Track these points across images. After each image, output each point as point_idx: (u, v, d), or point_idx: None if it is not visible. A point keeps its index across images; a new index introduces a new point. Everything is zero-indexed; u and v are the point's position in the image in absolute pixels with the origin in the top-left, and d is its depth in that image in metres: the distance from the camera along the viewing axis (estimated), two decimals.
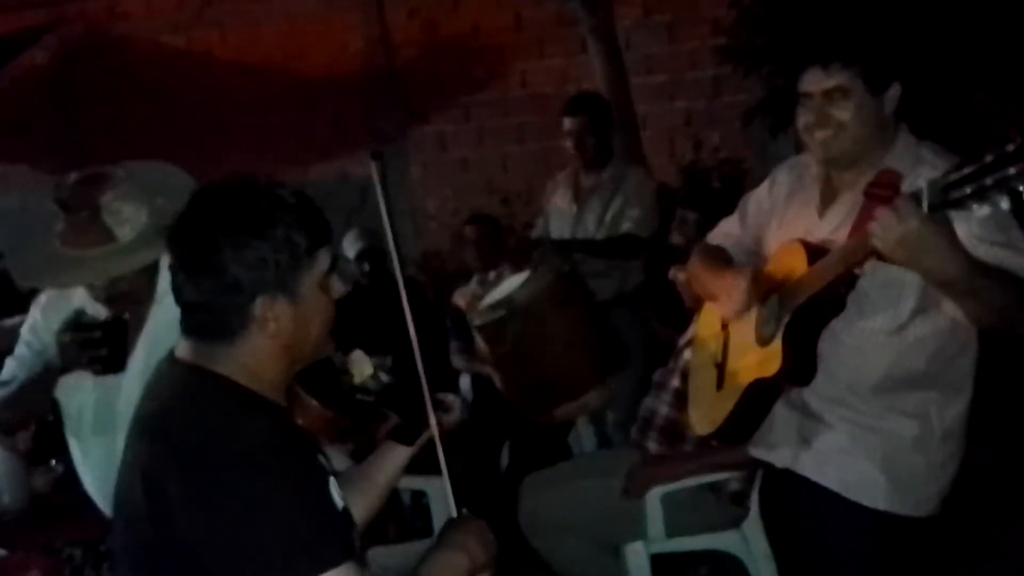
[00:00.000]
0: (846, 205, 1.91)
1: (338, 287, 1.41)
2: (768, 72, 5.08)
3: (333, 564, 1.24)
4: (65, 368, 1.96)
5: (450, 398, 1.84)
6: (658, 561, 2.71)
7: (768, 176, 2.17)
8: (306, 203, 1.38)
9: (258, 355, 1.34)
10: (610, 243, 3.62)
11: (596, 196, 3.75)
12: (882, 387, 1.87)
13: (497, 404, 3.64)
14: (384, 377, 1.71)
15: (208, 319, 1.34)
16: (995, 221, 1.67)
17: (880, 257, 1.62)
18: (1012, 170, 1.37)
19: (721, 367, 2.12)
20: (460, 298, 4.18)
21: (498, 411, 3.65)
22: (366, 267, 4.16)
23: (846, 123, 1.83)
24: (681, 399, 2.70)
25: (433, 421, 1.68)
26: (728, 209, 4.52)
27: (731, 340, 2.10)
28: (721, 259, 2.16)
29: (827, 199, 1.96)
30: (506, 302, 2.92)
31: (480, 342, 3.21)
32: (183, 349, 1.38)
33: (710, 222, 2.99)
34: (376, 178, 1.76)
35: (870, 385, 1.87)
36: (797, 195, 2.05)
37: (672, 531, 2.63)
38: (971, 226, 1.64)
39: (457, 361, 4.03)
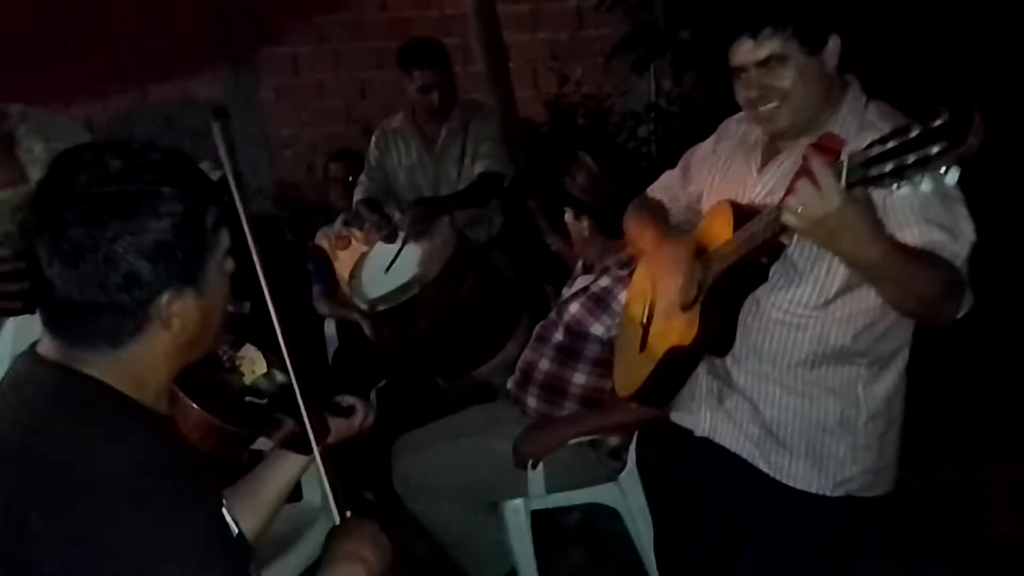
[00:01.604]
0: (784, 166, 1.80)
1: (229, 265, 1.22)
2: (633, 6, 5.04)
3: None
4: None
5: (351, 400, 1.68)
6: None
7: (717, 129, 2.05)
8: (194, 170, 1.17)
9: (149, 359, 1.15)
10: (473, 189, 3.51)
11: (452, 144, 3.62)
12: (807, 362, 1.80)
13: (364, 351, 3.55)
14: (279, 376, 1.52)
15: (90, 321, 1.10)
16: (940, 198, 1.58)
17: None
18: (935, 148, 1.25)
19: (645, 328, 2.07)
20: (323, 239, 4.00)
21: (365, 358, 3.55)
22: (225, 198, 3.89)
23: (788, 91, 1.72)
24: (563, 353, 2.70)
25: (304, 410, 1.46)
26: (590, 147, 4.49)
27: (657, 301, 2.05)
28: (658, 217, 2.08)
29: (767, 158, 1.86)
30: (417, 280, 2.87)
31: (379, 327, 3.11)
32: (48, 346, 1.15)
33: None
34: (219, 140, 1.50)
35: (795, 360, 1.81)
36: (739, 151, 1.94)
37: (552, 488, 2.65)
38: (913, 200, 1.54)
39: (321, 307, 3.87)
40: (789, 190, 1.54)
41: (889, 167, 1.30)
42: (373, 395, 3.59)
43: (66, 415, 1.11)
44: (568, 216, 2.75)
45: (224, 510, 1.20)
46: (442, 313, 2.88)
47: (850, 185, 1.38)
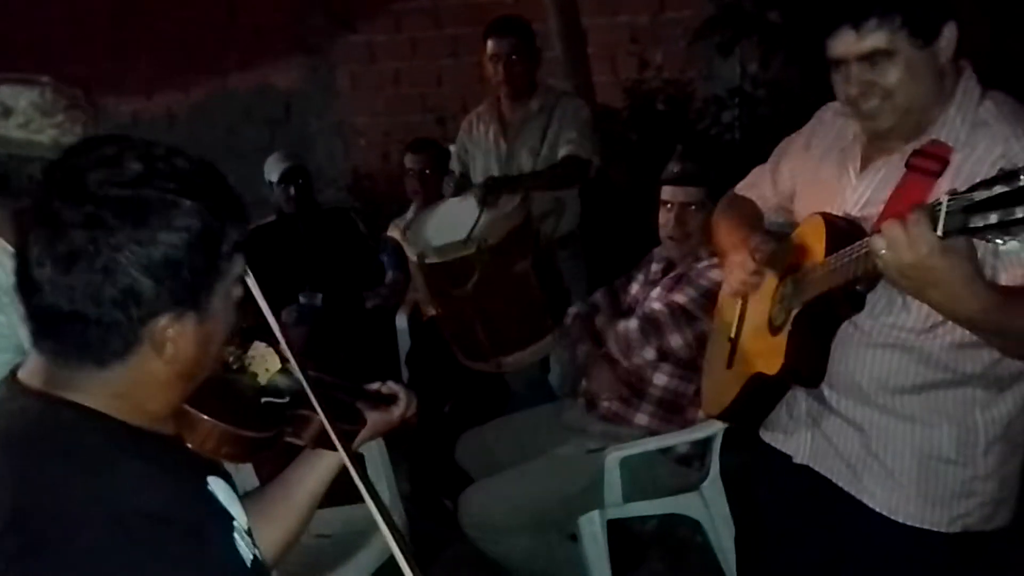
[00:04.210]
0: (882, 175, 1.61)
1: (237, 292, 1.12)
2: None
3: None
4: None
5: (391, 387, 1.52)
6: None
7: (811, 120, 1.85)
8: (220, 185, 1.03)
9: (141, 384, 1.02)
10: (553, 170, 3.41)
11: (527, 129, 3.52)
12: (914, 386, 1.61)
13: (437, 354, 3.46)
14: (298, 370, 1.36)
15: (76, 335, 0.98)
16: None
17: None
18: None
19: (733, 343, 1.91)
20: (395, 229, 3.94)
21: (438, 363, 3.45)
22: (292, 191, 3.83)
23: (893, 89, 1.50)
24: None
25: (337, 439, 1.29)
26: (671, 134, 4.28)
27: (747, 314, 1.89)
28: (747, 219, 1.90)
29: (866, 160, 1.65)
30: (477, 239, 2.71)
31: (428, 282, 2.98)
32: (29, 370, 1.04)
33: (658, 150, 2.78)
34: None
35: (899, 385, 1.62)
36: (834, 149, 1.73)
37: (629, 496, 2.53)
38: None
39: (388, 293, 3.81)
40: (896, 200, 1.37)
41: (993, 218, 1.12)
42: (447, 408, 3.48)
43: (44, 454, 0.98)
44: (682, 211, 2.57)
45: (236, 535, 1.07)
46: (490, 282, 2.73)
47: (947, 234, 1.20)
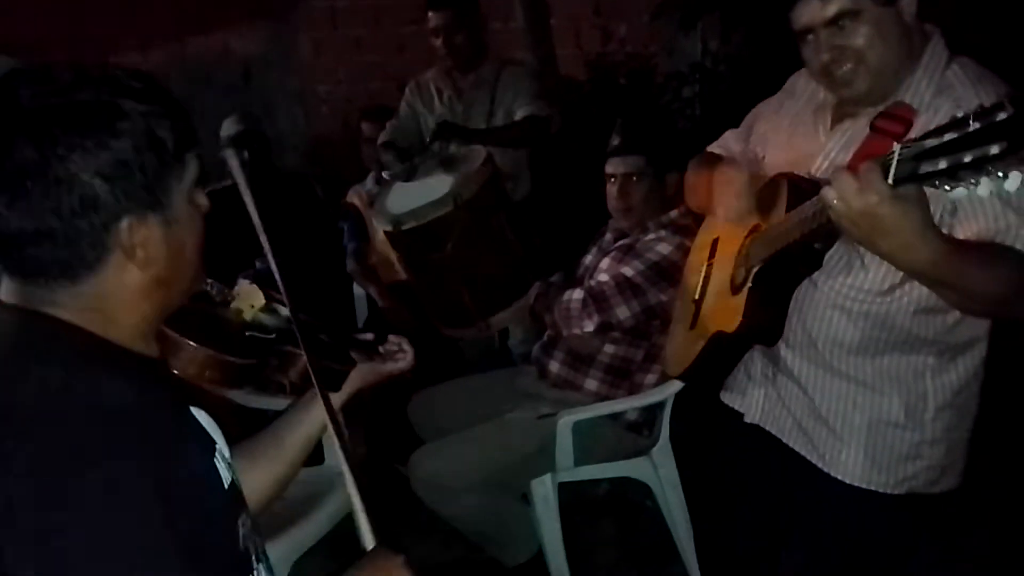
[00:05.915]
0: (848, 135, 1.62)
1: (203, 201, 1.10)
2: None
3: None
4: None
5: (395, 340, 1.55)
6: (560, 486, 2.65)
7: (785, 84, 1.86)
8: (157, 88, 1.02)
9: (118, 294, 1.02)
10: (513, 127, 3.45)
11: (480, 91, 3.56)
12: (868, 349, 1.63)
13: (399, 311, 3.47)
14: (284, 310, 1.39)
15: (44, 253, 0.98)
16: (1002, 201, 1.38)
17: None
18: (994, 148, 1.05)
19: (697, 304, 1.94)
20: (355, 196, 3.92)
21: (400, 321, 3.47)
22: (245, 155, 3.77)
23: (864, 50, 1.51)
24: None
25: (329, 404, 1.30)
26: (633, 108, 4.29)
27: (711, 277, 1.91)
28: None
29: (836, 121, 1.67)
30: (451, 196, 2.63)
31: (403, 253, 2.92)
32: (6, 288, 1.04)
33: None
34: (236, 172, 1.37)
35: (854, 347, 1.64)
36: (806, 112, 1.74)
37: (580, 460, 2.57)
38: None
39: (351, 265, 3.80)
40: (856, 161, 1.39)
41: (942, 164, 1.13)
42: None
43: (22, 359, 0.99)
44: (625, 182, 2.62)
45: (217, 458, 1.07)
46: (470, 240, 2.66)
47: (897, 181, 1.21)
